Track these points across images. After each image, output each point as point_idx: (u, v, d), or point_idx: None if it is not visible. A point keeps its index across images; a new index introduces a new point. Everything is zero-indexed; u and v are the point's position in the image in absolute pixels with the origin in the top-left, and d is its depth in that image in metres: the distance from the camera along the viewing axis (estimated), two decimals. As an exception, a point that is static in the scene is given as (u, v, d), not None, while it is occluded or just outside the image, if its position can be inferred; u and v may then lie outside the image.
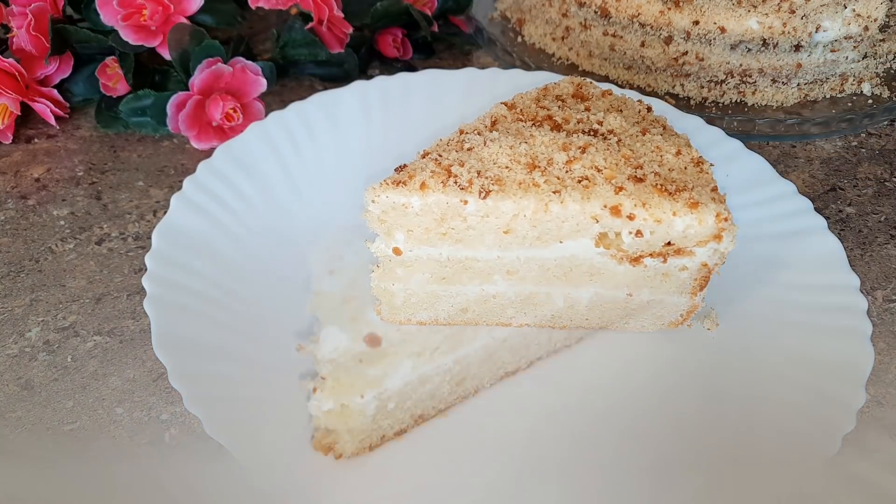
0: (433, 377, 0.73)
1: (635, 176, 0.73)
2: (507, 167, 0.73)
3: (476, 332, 0.75)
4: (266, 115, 1.08)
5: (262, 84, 1.11)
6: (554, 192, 0.70)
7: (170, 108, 1.11)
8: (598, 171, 0.73)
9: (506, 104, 0.83)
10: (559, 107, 0.83)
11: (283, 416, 0.69)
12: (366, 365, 0.67)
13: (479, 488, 0.68)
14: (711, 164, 0.77)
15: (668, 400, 0.75)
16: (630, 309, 0.81)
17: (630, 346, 0.81)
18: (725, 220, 0.71)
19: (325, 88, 1.14)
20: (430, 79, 1.09)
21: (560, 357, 0.80)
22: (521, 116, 0.81)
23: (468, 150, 0.75)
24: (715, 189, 0.73)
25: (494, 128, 0.79)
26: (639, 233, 0.72)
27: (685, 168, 0.76)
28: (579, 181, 0.72)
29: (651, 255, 0.75)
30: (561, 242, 0.74)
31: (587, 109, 0.83)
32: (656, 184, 0.72)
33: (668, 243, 0.73)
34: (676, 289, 0.79)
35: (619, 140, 0.77)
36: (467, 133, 0.78)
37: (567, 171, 0.72)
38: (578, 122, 0.80)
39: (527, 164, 0.73)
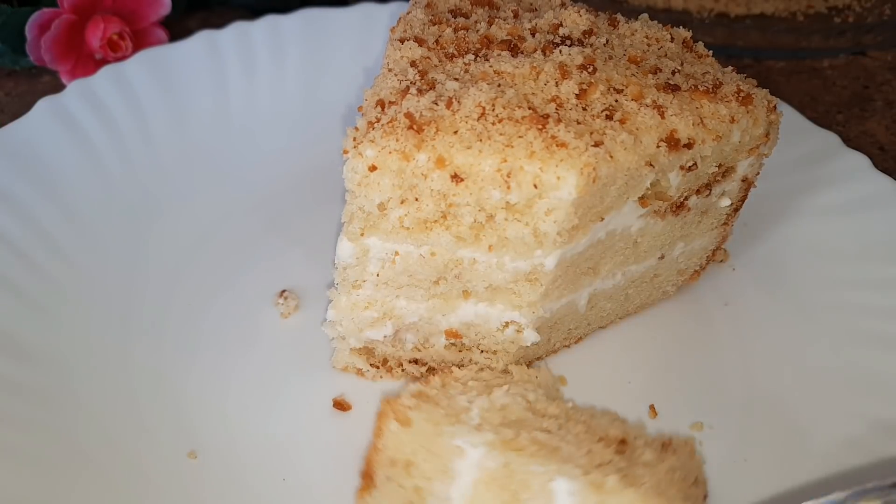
0: None
1: (666, 83, 0.56)
2: (512, 137, 0.51)
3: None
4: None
5: (164, 5, 0.86)
6: (594, 146, 0.51)
7: (30, 29, 0.84)
8: (618, 92, 0.55)
9: (414, 39, 0.59)
10: (476, 20, 0.62)
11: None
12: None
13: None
14: (693, 39, 0.64)
15: (668, 400, 0.68)
16: (656, 279, 0.69)
17: (628, 347, 0.73)
18: (774, 108, 0.59)
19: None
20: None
21: (560, 357, 0.72)
22: (446, 50, 0.58)
23: (434, 131, 0.51)
24: (736, 71, 0.61)
25: (425, 79, 0.55)
26: (693, 166, 0.56)
27: (685, 57, 0.61)
28: (608, 117, 0.53)
29: (697, 191, 0.62)
30: (602, 220, 0.57)
31: (516, 15, 0.63)
32: (693, 86, 0.56)
33: (719, 165, 0.59)
34: (713, 223, 0.68)
35: (608, 42, 0.60)
36: (396, 102, 0.53)
37: (585, 108, 0.54)
38: (534, 33, 0.60)
39: (529, 119, 0.51)
